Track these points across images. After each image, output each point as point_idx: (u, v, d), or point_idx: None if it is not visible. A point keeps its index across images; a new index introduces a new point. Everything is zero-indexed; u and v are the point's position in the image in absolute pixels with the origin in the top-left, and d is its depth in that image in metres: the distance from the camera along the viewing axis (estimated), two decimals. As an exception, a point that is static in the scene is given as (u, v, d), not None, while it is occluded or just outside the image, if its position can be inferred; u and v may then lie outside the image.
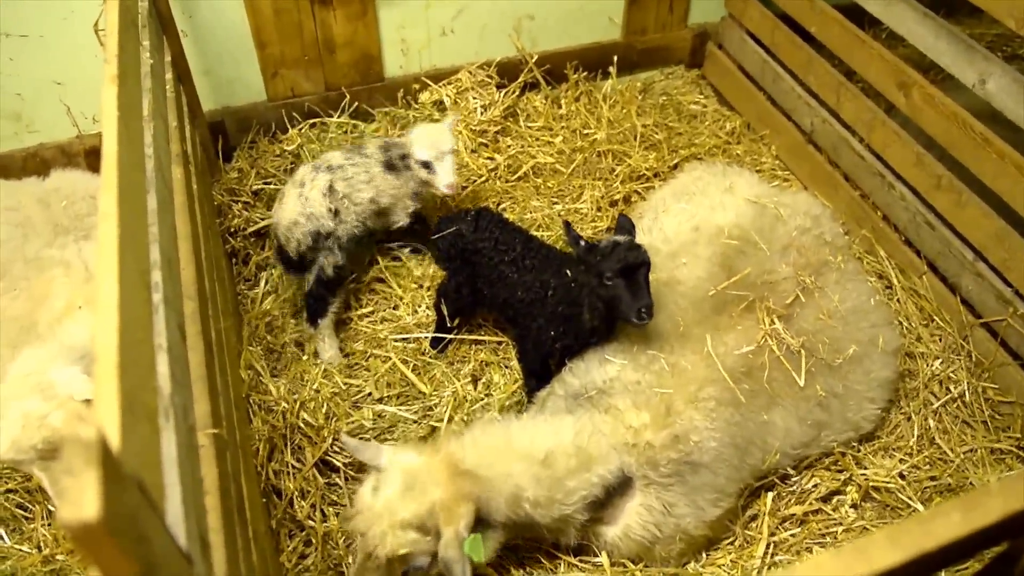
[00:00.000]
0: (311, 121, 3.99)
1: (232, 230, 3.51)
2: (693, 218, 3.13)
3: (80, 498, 0.80)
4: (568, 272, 2.71)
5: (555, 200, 3.88)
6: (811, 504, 2.78)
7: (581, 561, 2.64)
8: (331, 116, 4.01)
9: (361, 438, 2.86)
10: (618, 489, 2.47)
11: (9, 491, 2.80)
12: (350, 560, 2.61)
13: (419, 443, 2.47)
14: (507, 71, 4.24)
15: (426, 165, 3.12)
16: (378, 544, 2.20)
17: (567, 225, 2.63)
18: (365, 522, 2.24)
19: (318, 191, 3.05)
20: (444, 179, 3.11)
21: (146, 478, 1.01)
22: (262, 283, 3.43)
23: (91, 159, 3.62)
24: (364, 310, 3.38)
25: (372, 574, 2.26)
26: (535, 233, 3.24)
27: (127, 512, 0.88)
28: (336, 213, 3.07)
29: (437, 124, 3.21)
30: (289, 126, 3.94)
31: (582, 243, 2.55)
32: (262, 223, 3.53)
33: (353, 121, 4.03)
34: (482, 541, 2.25)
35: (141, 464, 1.17)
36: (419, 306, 3.38)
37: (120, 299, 1.30)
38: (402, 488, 2.24)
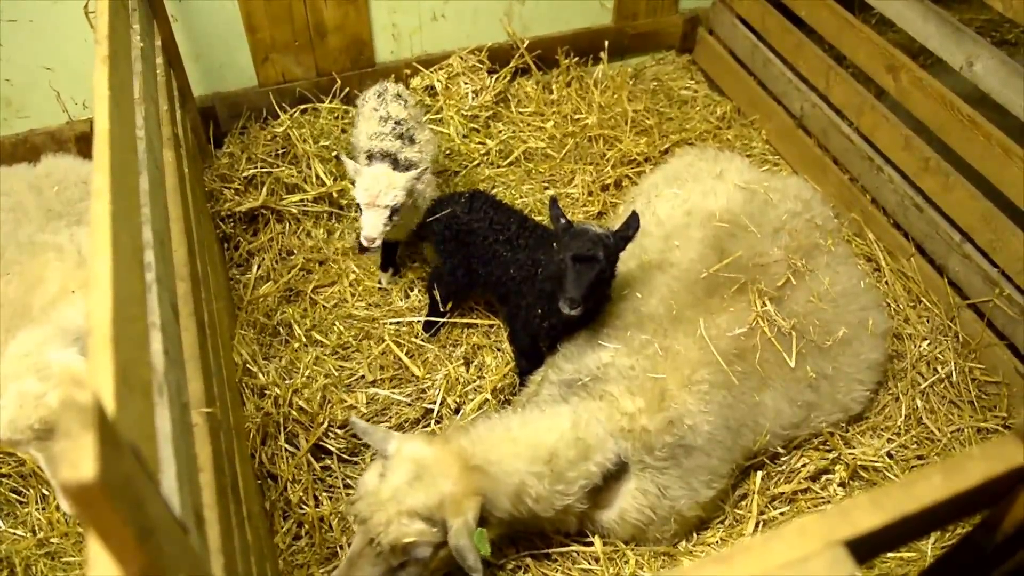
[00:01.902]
0: (302, 106, 3.98)
1: (223, 215, 3.50)
2: (686, 203, 3.15)
3: (78, 460, 0.81)
4: (554, 247, 2.72)
5: (546, 185, 3.89)
6: (800, 483, 2.81)
7: (573, 542, 2.66)
8: (322, 101, 4.00)
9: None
10: (614, 474, 2.49)
11: (3, 476, 2.82)
12: (344, 541, 2.63)
13: (427, 434, 2.45)
14: (498, 56, 4.24)
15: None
16: (382, 531, 2.17)
17: (553, 201, 2.65)
18: (369, 507, 2.21)
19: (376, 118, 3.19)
20: (363, 229, 2.83)
21: (141, 449, 1.02)
22: (254, 268, 3.43)
23: (81, 145, 3.61)
24: (358, 297, 3.40)
25: (370, 561, 2.23)
26: (527, 217, 3.26)
27: (123, 475, 0.89)
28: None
29: (394, 174, 2.85)
30: (280, 111, 3.93)
31: (562, 220, 2.59)
32: (250, 204, 3.53)
33: (344, 107, 4.02)
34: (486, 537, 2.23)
35: (136, 435, 1.19)
36: (411, 290, 3.40)
37: (114, 274, 1.31)
38: (411, 477, 2.22)
